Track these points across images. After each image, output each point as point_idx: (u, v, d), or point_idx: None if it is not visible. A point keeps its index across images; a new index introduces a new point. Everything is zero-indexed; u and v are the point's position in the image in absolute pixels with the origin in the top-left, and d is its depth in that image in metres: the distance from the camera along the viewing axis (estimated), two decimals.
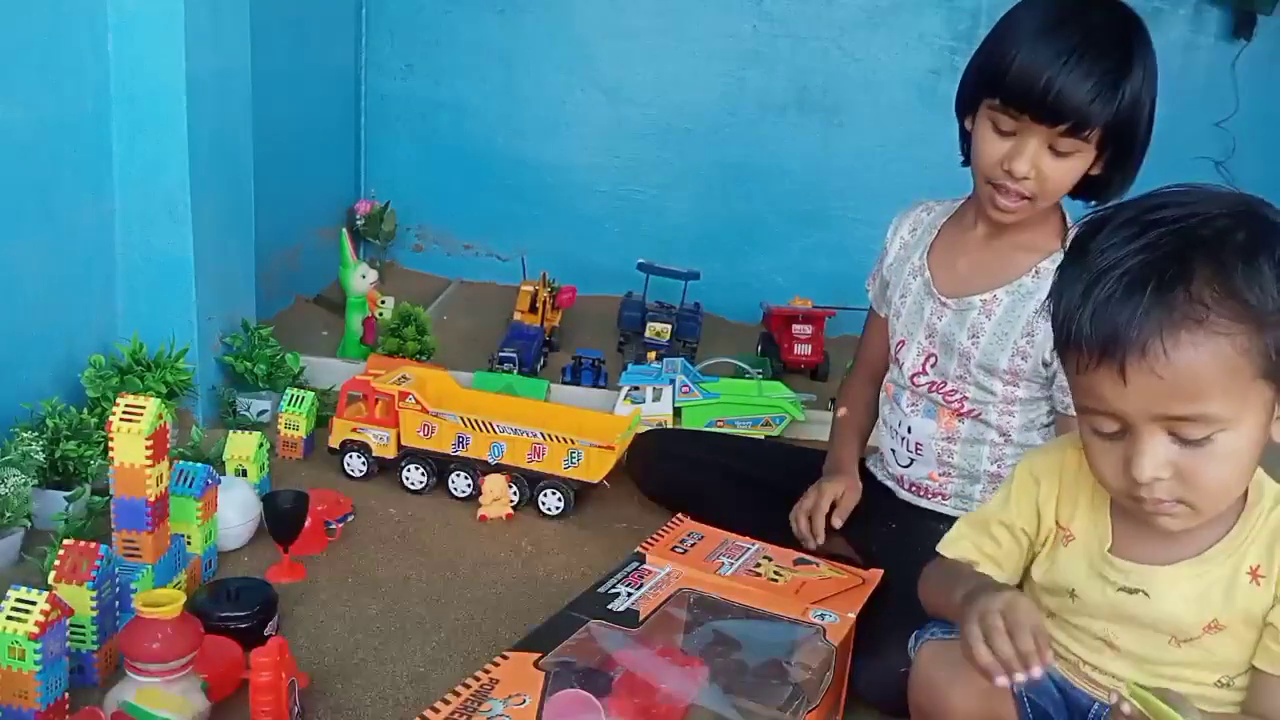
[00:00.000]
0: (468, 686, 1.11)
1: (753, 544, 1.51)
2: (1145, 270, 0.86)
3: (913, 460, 1.60)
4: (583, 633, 1.22)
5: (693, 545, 1.49)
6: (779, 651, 1.21)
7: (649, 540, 1.48)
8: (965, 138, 1.48)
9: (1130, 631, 1.01)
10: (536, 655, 1.17)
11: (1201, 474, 0.89)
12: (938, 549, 1.16)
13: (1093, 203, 1.43)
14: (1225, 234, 0.86)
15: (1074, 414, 1.05)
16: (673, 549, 1.46)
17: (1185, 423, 0.87)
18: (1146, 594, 0.98)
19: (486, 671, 1.14)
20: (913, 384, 1.58)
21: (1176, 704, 0.85)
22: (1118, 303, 0.86)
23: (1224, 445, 0.88)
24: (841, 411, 1.75)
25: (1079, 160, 1.37)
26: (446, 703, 1.08)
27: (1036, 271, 1.48)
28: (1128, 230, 0.88)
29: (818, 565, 1.47)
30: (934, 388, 1.56)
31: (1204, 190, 0.92)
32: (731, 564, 1.44)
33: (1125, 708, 0.87)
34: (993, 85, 1.37)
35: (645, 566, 1.40)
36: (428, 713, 1.07)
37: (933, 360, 1.56)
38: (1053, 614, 1.07)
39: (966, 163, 1.50)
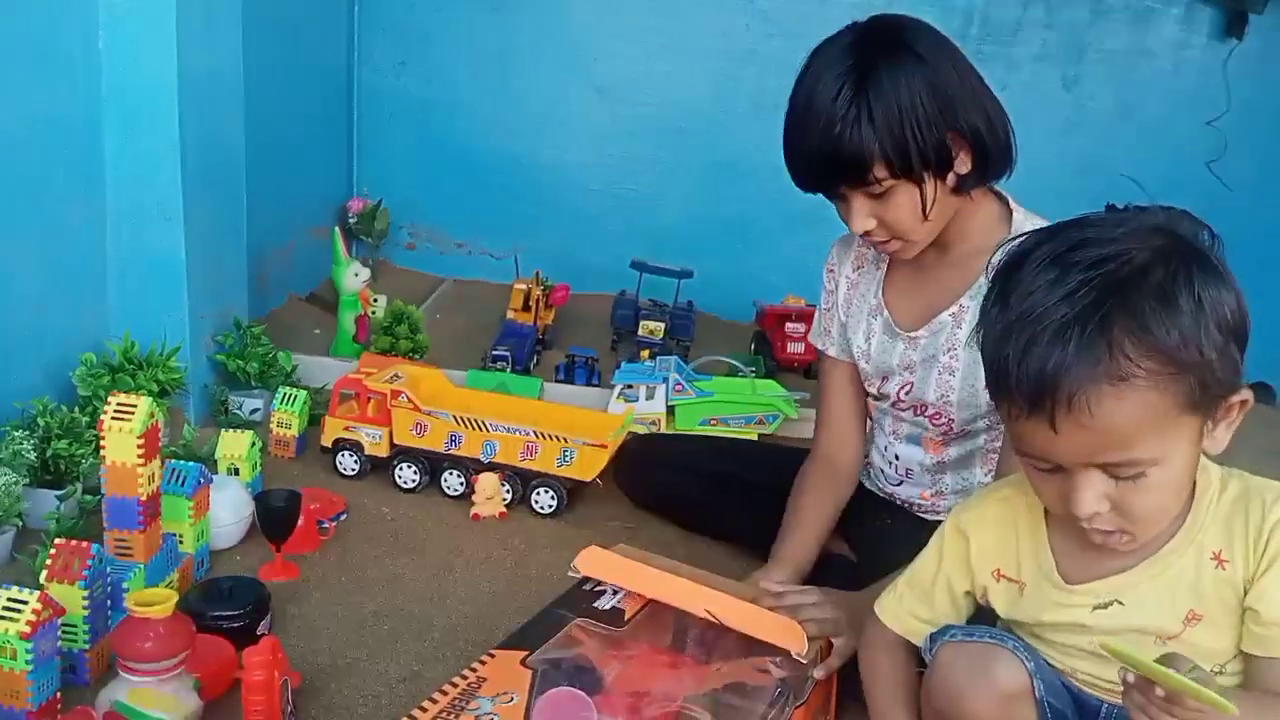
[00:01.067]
0: (455, 685, 1.11)
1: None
2: (1066, 323, 0.86)
3: (903, 481, 1.58)
4: (569, 631, 1.22)
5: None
6: (766, 649, 1.21)
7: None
8: None
9: (1117, 640, 1.01)
10: (524, 653, 1.17)
11: (1137, 505, 0.93)
12: (875, 608, 1.16)
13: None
14: (1143, 274, 0.87)
15: None
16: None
17: (1117, 466, 0.90)
18: (1120, 602, 1.00)
19: (474, 670, 1.14)
20: (895, 409, 1.53)
21: (1171, 661, 0.87)
22: (1041, 356, 0.87)
23: (1156, 477, 0.91)
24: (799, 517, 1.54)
25: (901, 194, 1.32)
26: (434, 701, 1.08)
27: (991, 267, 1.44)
28: (1048, 273, 0.89)
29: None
30: (918, 410, 1.50)
31: (1125, 218, 0.93)
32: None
33: (1130, 678, 0.89)
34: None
35: None
36: (415, 712, 1.07)
37: (908, 388, 1.49)
38: (1037, 636, 1.07)
39: None
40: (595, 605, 1.28)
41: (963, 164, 1.34)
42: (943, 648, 1.06)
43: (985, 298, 0.95)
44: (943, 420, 1.48)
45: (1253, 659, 0.98)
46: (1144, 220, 0.92)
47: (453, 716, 1.05)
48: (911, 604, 1.14)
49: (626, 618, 1.26)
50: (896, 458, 1.56)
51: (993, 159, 1.36)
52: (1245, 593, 0.97)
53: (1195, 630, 0.98)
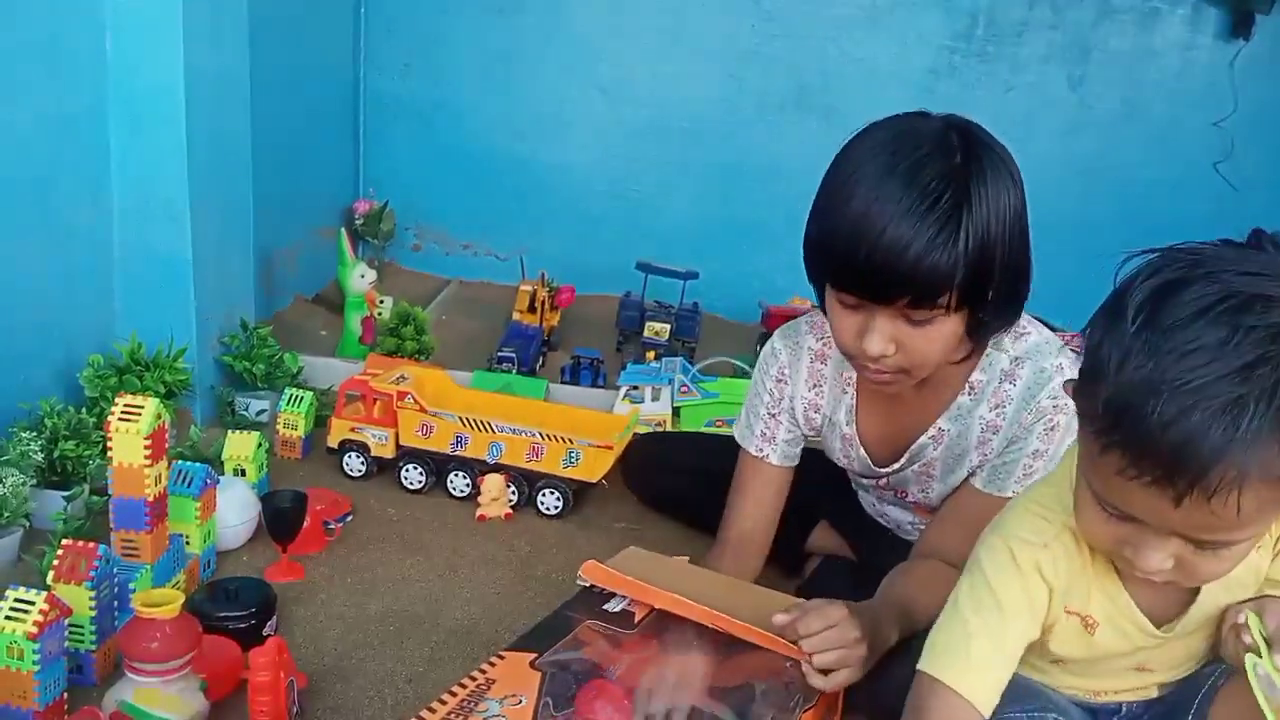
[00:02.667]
0: (464, 686, 1.11)
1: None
2: (1238, 405, 0.75)
3: (892, 531, 1.57)
4: (578, 633, 1.23)
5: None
6: (774, 654, 1.19)
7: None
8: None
9: (1164, 655, 1.00)
10: (532, 655, 1.17)
11: (1203, 571, 0.87)
12: (939, 673, 0.95)
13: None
14: None
15: None
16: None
17: (1209, 542, 0.83)
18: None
19: (483, 671, 1.14)
20: (876, 487, 1.50)
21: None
22: (1197, 432, 0.75)
23: (1234, 551, 0.85)
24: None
25: (943, 325, 1.16)
26: (443, 703, 1.08)
27: (970, 388, 1.32)
28: (1214, 330, 0.76)
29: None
30: (899, 494, 1.47)
31: None
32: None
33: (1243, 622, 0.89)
34: (820, 266, 1.21)
35: None
36: (424, 713, 1.07)
37: (886, 481, 1.46)
38: (1062, 660, 1.02)
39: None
40: (605, 608, 1.28)
41: (989, 312, 1.21)
42: None
43: (1117, 317, 0.81)
44: (923, 507, 1.46)
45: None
46: None
47: (461, 718, 1.06)
48: (992, 654, 0.96)
49: (636, 620, 1.26)
50: (885, 515, 1.56)
51: (1012, 311, 1.24)
52: (1273, 562, 0.96)
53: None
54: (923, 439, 1.36)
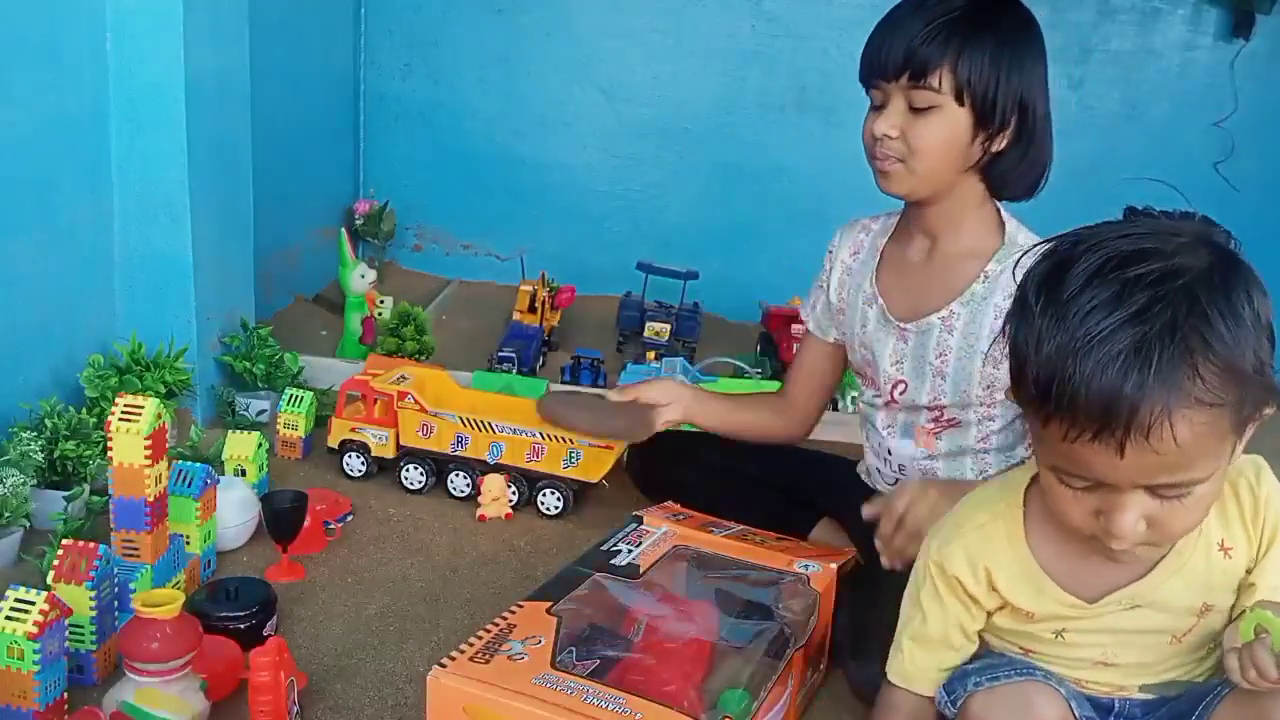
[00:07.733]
0: (488, 631, 1.19)
1: (736, 526, 1.56)
2: (1144, 345, 0.81)
3: (898, 479, 1.58)
4: (590, 583, 1.31)
5: (685, 518, 1.56)
6: (767, 598, 1.31)
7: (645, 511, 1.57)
8: None
9: (1130, 645, 1.02)
10: (548, 604, 1.26)
11: (1175, 523, 0.91)
12: (889, 676, 1.12)
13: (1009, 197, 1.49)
14: (1209, 291, 0.83)
15: None
16: (668, 518, 1.54)
17: (1168, 487, 0.87)
18: (1140, 606, 1.00)
19: (504, 618, 1.22)
20: (889, 408, 1.56)
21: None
22: (1116, 380, 0.82)
23: (1198, 496, 0.89)
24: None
25: (941, 118, 1.40)
26: (470, 645, 1.16)
27: (985, 275, 1.45)
28: (1105, 288, 0.84)
29: (800, 543, 1.54)
30: (911, 409, 1.53)
31: (1162, 227, 0.89)
32: (721, 530, 1.52)
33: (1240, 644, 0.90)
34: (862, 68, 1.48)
35: (643, 527, 1.49)
36: (454, 653, 1.14)
37: (902, 388, 1.53)
38: (1029, 651, 1.06)
39: None
40: (612, 562, 1.38)
41: (1000, 140, 1.42)
42: (973, 698, 1.01)
43: (1023, 305, 0.90)
44: (936, 407, 1.51)
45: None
46: (1182, 228, 0.89)
47: (488, 655, 1.14)
48: (928, 659, 1.09)
49: (641, 571, 1.36)
50: (890, 453, 1.58)
51: (1024, 164, 1.45)
52: (1248, 573, 0.99)
53: (1206, 619, 1.00)
54: (933, 317, 1.48)
